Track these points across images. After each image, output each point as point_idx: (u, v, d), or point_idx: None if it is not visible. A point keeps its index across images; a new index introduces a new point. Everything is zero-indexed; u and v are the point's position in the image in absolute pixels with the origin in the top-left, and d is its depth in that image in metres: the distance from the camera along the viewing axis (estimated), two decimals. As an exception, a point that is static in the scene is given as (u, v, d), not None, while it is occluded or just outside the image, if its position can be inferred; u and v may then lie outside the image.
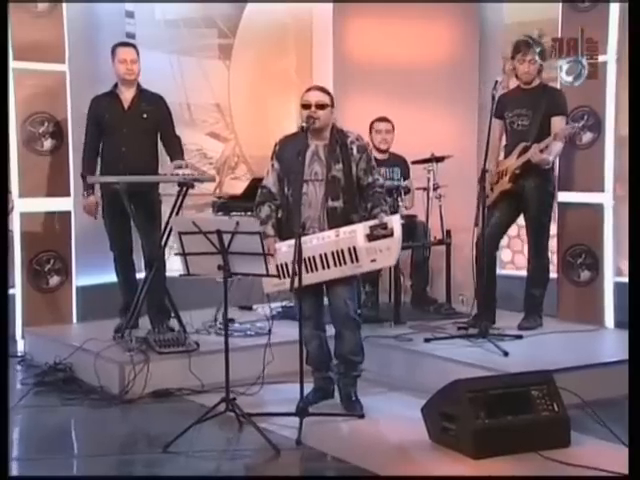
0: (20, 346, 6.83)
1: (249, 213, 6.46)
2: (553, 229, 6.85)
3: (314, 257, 5.12)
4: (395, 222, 5.12)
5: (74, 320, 7.15)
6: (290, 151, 5.24)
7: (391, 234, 5.08)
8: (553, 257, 7.12)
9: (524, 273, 6.88)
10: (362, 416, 5.13)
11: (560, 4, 7.05)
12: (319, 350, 5.35)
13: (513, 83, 6.85)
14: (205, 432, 4.78)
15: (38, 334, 6.73)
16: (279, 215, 5.29)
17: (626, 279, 6.54)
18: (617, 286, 6.90)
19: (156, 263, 6.19)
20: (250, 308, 7.30)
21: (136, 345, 5.81)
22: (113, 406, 5.46)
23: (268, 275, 4.81)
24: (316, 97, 5.20)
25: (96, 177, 6.25)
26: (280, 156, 5.30)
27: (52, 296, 7.08)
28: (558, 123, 6.42)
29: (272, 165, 5.33)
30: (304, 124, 5.07)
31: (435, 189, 7.27)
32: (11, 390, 5.80)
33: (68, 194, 7.08)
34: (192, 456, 4.52)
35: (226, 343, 4.91)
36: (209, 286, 6.90)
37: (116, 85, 6.51)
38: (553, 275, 7.01)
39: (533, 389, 4.56)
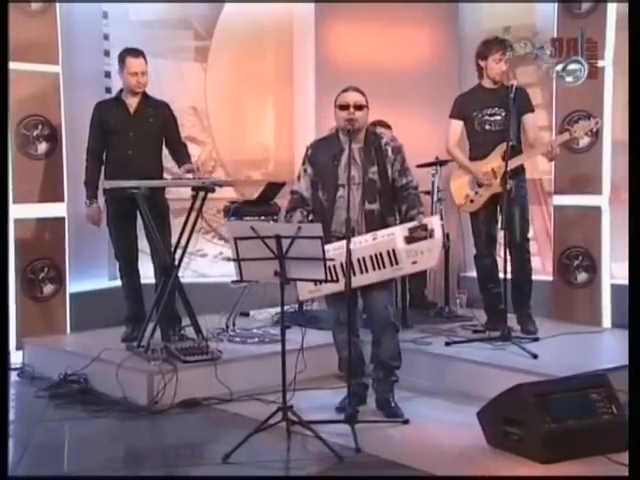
0: (15, 357, 6.53)
1: (262, 217, 6.42)
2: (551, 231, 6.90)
3: (351, 262, 5.05)
4: (435, 223, 5.11)
5: (68, 329, 6.93)
6: (324, 155, 5.18)
7: (431, 235, 5.06)
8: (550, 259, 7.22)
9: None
10: (407, 421, 5.07)
11: (555, 10, 7.14)
12: (354, 356, 5.27)
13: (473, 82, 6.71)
14: (256, 441, 4.60)
15: (38, 345, 6.51)
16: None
17: (620, 281, 6.66)
18: (612, 288, 6.98)
19: (173, 271, 6.01)
20: (247, 314, 7.19)
21: (160, 354, 5.64)
22: (142, 417, 5.27)
23: (325, 280, 4.70)
24: (354, 98, 5.14)
25: (113, 182, 6.00)
26: (313, 160, 5.24)
27: (46, 305, 6.85)
28: (530, 120, 6.46)
29: (304, 170, 5.26)
30: (349, 127, 5.00)
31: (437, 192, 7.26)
32: (18, 402, 5.67)
33: (62, 199, 6.87)
34: (256, 466, 4.41)
35: (283, 347, 4.75)
36: (211, 292, 6.84)
37: (121, 91, 6.39)
38: (549, 278, 7.10)
39: (592, 392, 4.55)
